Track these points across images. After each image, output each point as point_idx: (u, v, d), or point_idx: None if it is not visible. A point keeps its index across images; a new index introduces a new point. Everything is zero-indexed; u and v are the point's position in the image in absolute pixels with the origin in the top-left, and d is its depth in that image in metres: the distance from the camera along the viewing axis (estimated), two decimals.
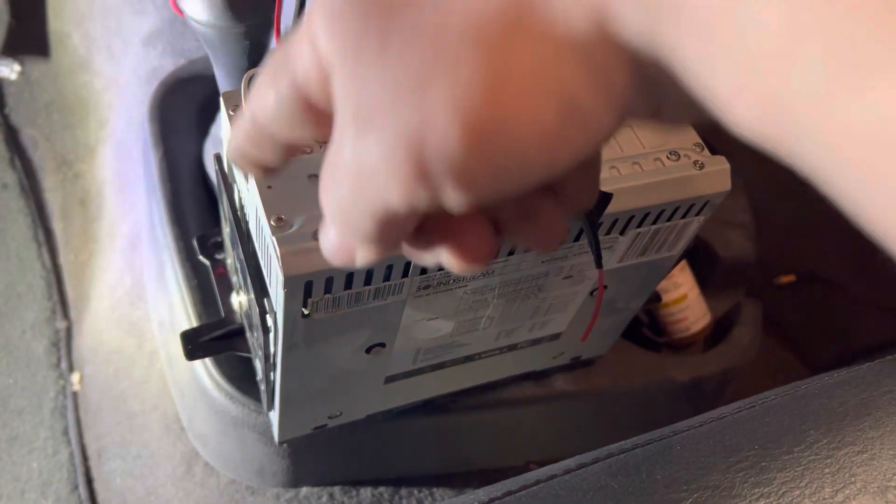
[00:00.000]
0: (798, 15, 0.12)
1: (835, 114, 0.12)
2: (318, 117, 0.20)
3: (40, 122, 0.91)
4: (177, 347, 0.51)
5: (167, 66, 0.74)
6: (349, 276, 0.34)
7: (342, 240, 0.21)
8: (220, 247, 0.52)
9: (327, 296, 0.35)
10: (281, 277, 0.32)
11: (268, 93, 0.20)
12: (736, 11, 0.13)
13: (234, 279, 0.50)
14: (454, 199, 0.17)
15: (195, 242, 0.52)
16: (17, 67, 0.93)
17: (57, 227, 0.85)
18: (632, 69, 0.16)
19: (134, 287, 0.73)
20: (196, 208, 0.60)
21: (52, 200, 0.86)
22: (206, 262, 0.52)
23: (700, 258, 0.67)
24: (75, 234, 0.83)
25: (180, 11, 0.47)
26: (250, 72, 0.34)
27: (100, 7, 0.85)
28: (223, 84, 0.51)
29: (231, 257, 0.48)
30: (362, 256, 0.21)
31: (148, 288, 0.70)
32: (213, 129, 0.60)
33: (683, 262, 0.65)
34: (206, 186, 0.63)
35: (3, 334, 0.78)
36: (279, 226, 0.32)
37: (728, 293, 0.70)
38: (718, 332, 0.68)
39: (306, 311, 0.35)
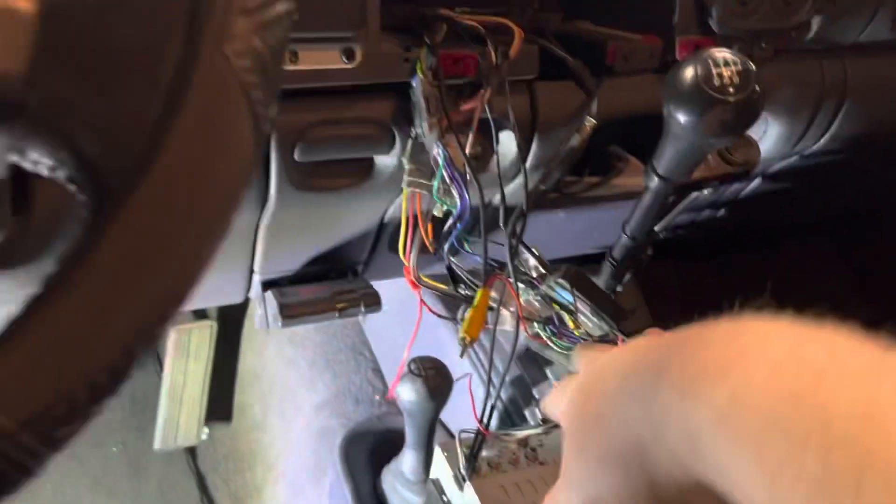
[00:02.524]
0: None
1: None
2: None
3: (220, 469, 1.22)
4: None
5: (333, 426, 1.07)
6: None
7: None
8: None
9: None
10: None
11: None
12: None
13: None
14: None
15: None
16: (206, 430, 1.26)
17: None
18: None
19: None
20: None
21: None
22: None
23: None
24: None
25: (395, 397, 0.81)
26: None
27: (279, 385, 1.20)
28: (413, 437, 0.83)
29: None
30: None
31: None
32: (393, 465, 0.89)
33: None
34: None
35: None
36: None
37: None
38: None
39: None
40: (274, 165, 0.64)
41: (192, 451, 1.26)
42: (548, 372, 0.84)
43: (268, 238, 0.75)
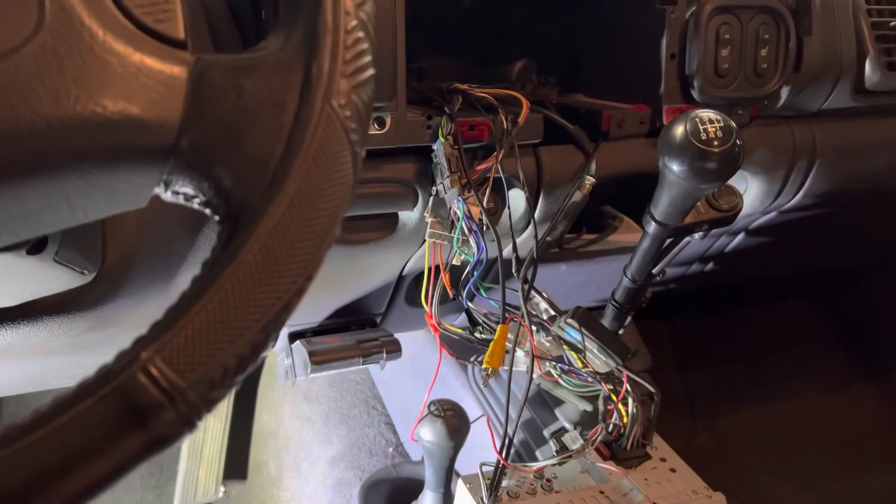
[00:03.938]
0: None
1: None
2: None
3: None
4: None
5: (349, 478, 1.11)
6: None
7: None
8: None
9: None
10: None
11: None
12: None
13: None
14: None
15: None
16: (222, 489, 1.29)
17: None
18: None
19: None
20: None
21: None
22: None
23: None
24: None
25: (415, 440, 0.86)
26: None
27: (295, 441, 1.24)
28: (433, 478, 0.87)
29: None
30: None
31: None
32: None
33: None
34: None
35: None
36: None
37: None
38: None
39: None
40: None
41: None
42: (557, 413, 0.90)
43: None
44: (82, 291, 0.55)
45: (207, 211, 0.35)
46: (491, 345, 0.67)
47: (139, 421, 0.29)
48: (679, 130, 0.56)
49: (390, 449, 1.17)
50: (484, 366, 0.66)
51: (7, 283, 0.50)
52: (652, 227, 0.65)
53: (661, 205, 0.62)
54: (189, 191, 0.35)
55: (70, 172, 0.34)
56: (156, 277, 0.65)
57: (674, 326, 1.33)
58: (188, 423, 0.30)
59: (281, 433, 1.27)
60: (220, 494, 1.30)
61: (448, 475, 0.88)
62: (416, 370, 1.10)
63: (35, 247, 0.42)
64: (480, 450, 0.91)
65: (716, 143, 0.55)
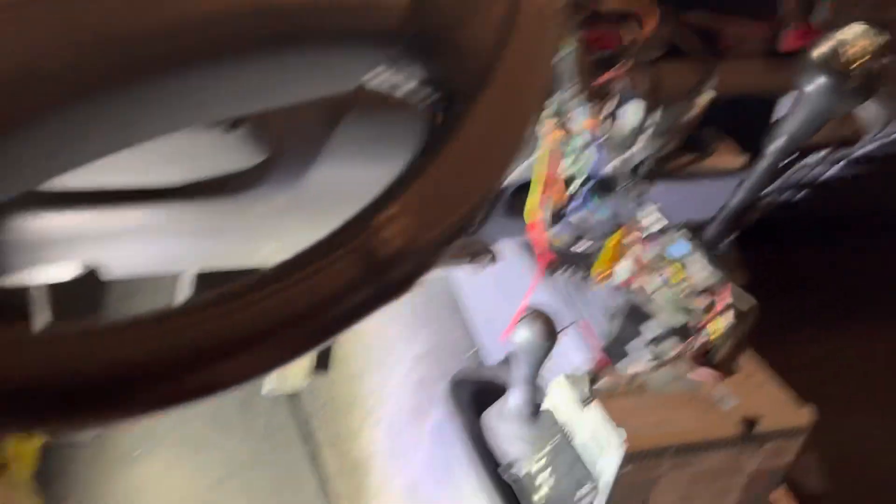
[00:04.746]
0: None
1: None
2: None
3: (319, 415, 1.33)
4: None
5: (434, 375, 1.17)
6: None
7: None
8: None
9: None
10: None
11: None
12: None
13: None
14: None
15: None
16: (307, 381, 1.37)
17: (336, 483, 1.22)
18: None
19: None
20: None
21: (332, 465, 1.25)
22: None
23: None
24: (353, 489, 1.20)
25: (507, 342, 0.91)
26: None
27: (379, 339, 1.31)
28: (522, 376, 0.92)
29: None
30: None
31: None
32: (498, 404, 0.99)
33: None
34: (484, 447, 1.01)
35: None
36: None
37: None
38: None
39: None
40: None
41: (294, 397, 1.38)
42: (650, 325, 0.93)
43: None
44: (243, 174, 0.59)
45: (416, 96, 0.38)
46: (602, 252, 0.70)
47: (377, 274, 0.33)
48: (822, 48, 0.56)
49: (471, 352, 1.22)
50: (593, 272, 0.69)
51: (183, 160, 0.54)
52: (777, 144, 0.67)
53: (793, 122, 0.64)
54: (398, 79, 0.38)
55: (296, 52, 0.37)
56: (296, 172, 0.69)
57: (776, 252, 1.34)
58: (417, 278, 0.34)
59: (365, 331, 1.34)
60: (305, 384, 1.38)
61: (536, 375, 0.93)
62: (503, 279, 1.14)
63: (233, 125, 0.46)
64: (567, 357, 0.95)
65: (857, 62, 0.56)
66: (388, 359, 1.29)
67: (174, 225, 0.70)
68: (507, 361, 1.19)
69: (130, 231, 0.69)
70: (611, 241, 0.71)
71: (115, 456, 1.22)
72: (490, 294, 1.22)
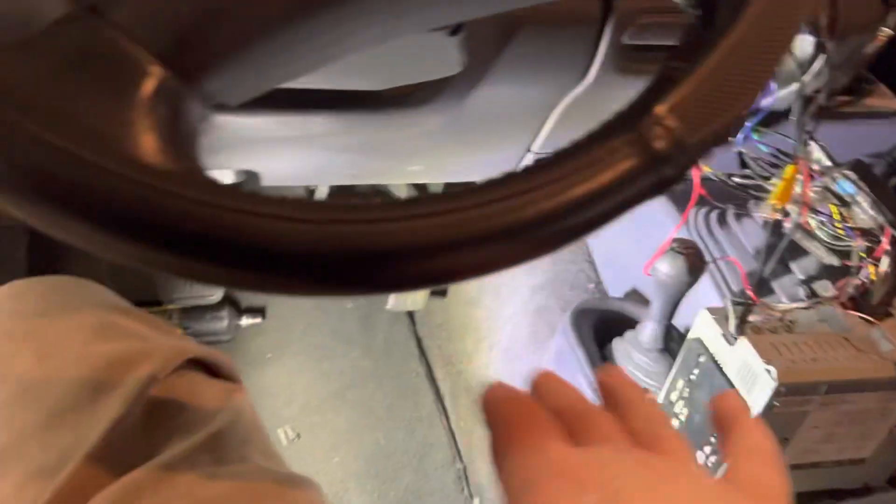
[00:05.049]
0: None
1: None
2: None
3: (434, 336, 1.38)
4: None
5: (551, 305, 1.19)
6: None
7: None
8: None
9: None
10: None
11: None
12: None
13: None
14: None
15: None
16: (424, 302, 1.42)
17: (450, 403, 1.26)
18: None
19: None
20: None
21: (444, 387, 1.30)
22: None
23: None
24: (464, 409, 1.24)
25: (649, 274, 0.91)
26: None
27: None
28: (660, 309, 0.93)
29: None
30: None
31: None
32: (629, 335, 1.00)
33: None
34: None
35: (423, 469, 1.17)
36: None
37: None
38: None
39: None
40: (603, 46, 0.74)
41: (412, 316, 1.42)
42: (792, 267, 0.92)
43: (563, 117, 0.85)
44: (439, 83, 0.60)
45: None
46: (780, 184, 0.69)
47: (651, 166, 0.34)
48: None
49: (591, 285, 1.23)
50: (771, 202, 0.68)
51: (398, 63, 0.55)
52: None
53: None
54: None
55: None
56: (464, 89, 0.70)
57: None
58: (684, 174, 0.35)
59: None
60: (421, 306, 1.42)
61: (673, 310, 0.93)
62: (631, 213, 1.14)
63: (453, 31, 0.47)
64: (701, 295, 0.95)
65: None
66: (503, 289, 1.31)
67: (343, 137, 0.72)
68: (633, 294, 1.19)
69: (307, 138, 0.72)
70: (786, 174, 0.70)
71: (250, 357, 1.30)
72: (615, 228, 1.22)
